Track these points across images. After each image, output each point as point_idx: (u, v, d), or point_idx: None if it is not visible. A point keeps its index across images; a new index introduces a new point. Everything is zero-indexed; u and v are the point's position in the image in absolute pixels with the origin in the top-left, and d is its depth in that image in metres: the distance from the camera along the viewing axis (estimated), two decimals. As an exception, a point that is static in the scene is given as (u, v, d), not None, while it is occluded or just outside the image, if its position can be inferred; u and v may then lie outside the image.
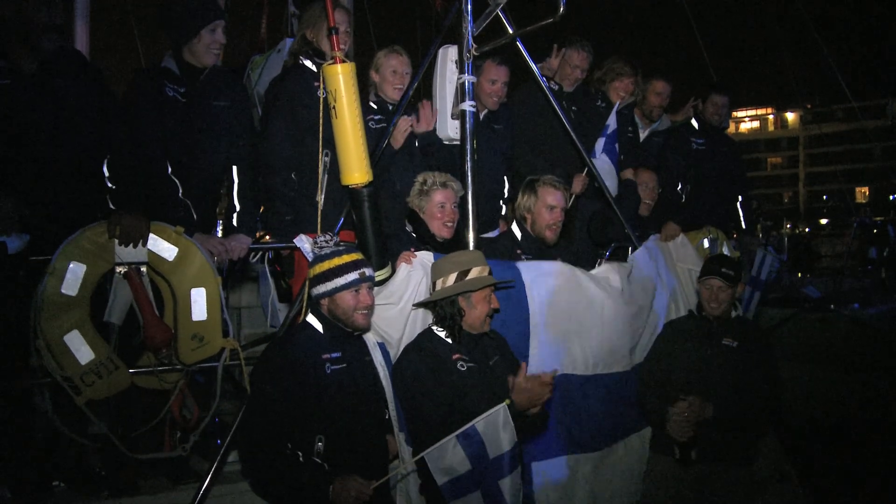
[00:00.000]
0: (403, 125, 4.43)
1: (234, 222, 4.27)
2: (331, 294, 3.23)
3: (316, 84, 4.27)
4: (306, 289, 3.47)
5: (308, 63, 4.43)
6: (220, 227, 5.38)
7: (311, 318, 3.33)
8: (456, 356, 3.44)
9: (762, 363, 4.28)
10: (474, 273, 3.48)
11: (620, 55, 5.90)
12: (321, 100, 3.92)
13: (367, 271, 3.30)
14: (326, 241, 3.34)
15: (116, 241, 3.57)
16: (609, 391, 4.39)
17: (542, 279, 4.17)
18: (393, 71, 4.66)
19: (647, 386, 4.37)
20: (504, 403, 3.16)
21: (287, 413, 3.07)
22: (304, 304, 3.59)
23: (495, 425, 3.14)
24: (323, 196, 4.09)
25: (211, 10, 4.09)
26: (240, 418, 3.64)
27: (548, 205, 4.50)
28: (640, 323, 4.62)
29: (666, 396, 4.12)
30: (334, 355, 3.24)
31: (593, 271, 4.53)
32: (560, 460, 4.17)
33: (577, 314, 4.26)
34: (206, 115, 4.13)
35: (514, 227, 4.66)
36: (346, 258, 3.27)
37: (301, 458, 3.04)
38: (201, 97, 4.12)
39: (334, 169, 3.92)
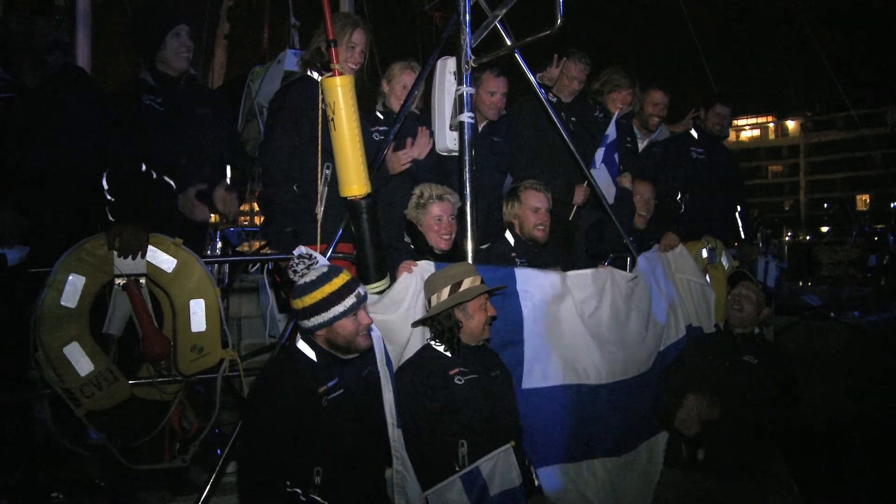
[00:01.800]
0: (404, 158, 4.50)
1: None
2: (329, 324, 3.01)
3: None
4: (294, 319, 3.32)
5: (315, 75, 4.47)
6: (220, 238, 5.42)
7: (303, 346, 3.10)
8: (454, 371, 3.44)
9: (780, 382, 4.27)
10: (467, 284, 3.49)
11: (618, 66, 5.93)
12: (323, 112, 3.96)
13: (361, 290, 3.10)
14: (306, 267, 3.12)
15: (115, 253, 3.59)
16: (607, 400, 4.39)
17: (537, 288, 4.17)
18: (403, 86, 4.70)
19: (663, 391, 4.38)
20: (509, 445, 3.18)
21: (283, 450, 2.91)
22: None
23: (499, 466, 3.14)
24: (323, 208, 4.12)
25: (172, 15, 4.21)
26: (235, 436, 3.62)
27: (532, 207, 4.62)
28: (635, 331, 4.61)
29: (679, 399, 4.15)
30: (331, 384, 3.05)
31: (589, 273, 4.52)
32: (555, 468, 4.16)
33: (570, 323, 4.26)
34: (188, 122, 4.24)
35: (507, 235, 4.74)
36: (338, 282, 3.02)
37: (301, 497, 2.89)
38: (181, 105, 4.23)
39: (335, 181, 3.92)
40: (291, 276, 3.16)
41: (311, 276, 3.06)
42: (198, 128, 4.27)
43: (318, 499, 2.92)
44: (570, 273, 4.42)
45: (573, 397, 4.20)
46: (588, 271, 4.51)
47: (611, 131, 5.48)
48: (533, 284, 4.16)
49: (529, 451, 3.81)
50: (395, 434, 3.50)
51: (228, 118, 4.59)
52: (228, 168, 4.41)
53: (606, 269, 4.57)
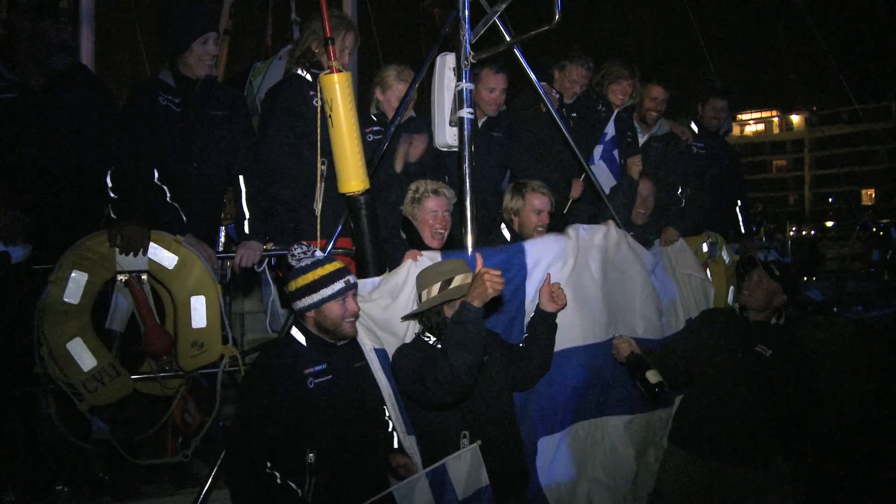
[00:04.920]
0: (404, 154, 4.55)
1: (246, 230, 4.31)
2: (317, 306, 3.18)
3: (311, 93, 4.36)
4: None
5: (304, 73, 4.50)
6: (223, 233, 5.43)
7: (295, 331, 3.28)
8: None
9: (793, 377, 4.15)
10: (457, 281, 3.45)
11: (618, 58, 5.93)
12: (318, 109, 3.99)
13: (352, 279, 3.26)
14: (304, 253, 3.27)
15: (117, 250, 3.62)
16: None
17: (545, 254, 4.16)
18: (398, 97, 4.70)
19: (669, 354, 4.34)
20: (475, 444, 3.21)
21: (269, 431, 3.04)
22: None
23: (465, 465, 3.17)
24: (321, 204, 4.15)
25: (202, 22, 4.20)
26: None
27: (535, 209, 4.59)
28: (642, 295, 4.58)
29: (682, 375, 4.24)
30: (318, 368, 3.19)
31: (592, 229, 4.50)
32: (562, 434, 4.17)
33: (578, 285, 4.24)
34: (202, 123, 4.21)
35: (504, 229, 4.73)
36: (329, 268, 3.21)
37: (278, 480, 3.01)
38: (198, 107, 4.20)
39: (332, 176, 3.97)
40: (290, 262, 3.30)
41: (306, 261, 3.24)
42: (212, 130, 4.26)
43: (291, 484, 3.04)
44: (579, 230, 4.41)
45: (584, 358, 4.21)
46: (600, 227, 4.51)
47: (609, 129, 5.48)
48: (542, 252, 4.16)
49: (539, 418, 3.93)
50: (408, 442, 3.54)
51: (246, 121, 4.51)
52: (242, 179, 4.36)
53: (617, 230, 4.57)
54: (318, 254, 3.32)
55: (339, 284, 3.18)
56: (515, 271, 4.07)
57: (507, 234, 4.70)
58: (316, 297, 3.16)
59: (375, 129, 4.67)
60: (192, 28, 4.13)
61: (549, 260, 4.18)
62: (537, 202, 4.59)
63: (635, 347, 4.10)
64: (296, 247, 3.31)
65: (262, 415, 3.04)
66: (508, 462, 3.57)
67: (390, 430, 3.60)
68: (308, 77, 4.47)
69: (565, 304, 3.85)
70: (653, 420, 4.57)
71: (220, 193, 4.56)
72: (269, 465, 3.04)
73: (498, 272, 3.15)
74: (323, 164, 4.13)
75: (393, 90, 4.74)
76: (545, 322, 3.84)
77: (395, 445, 3.58)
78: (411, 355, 3.39)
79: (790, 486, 4.66)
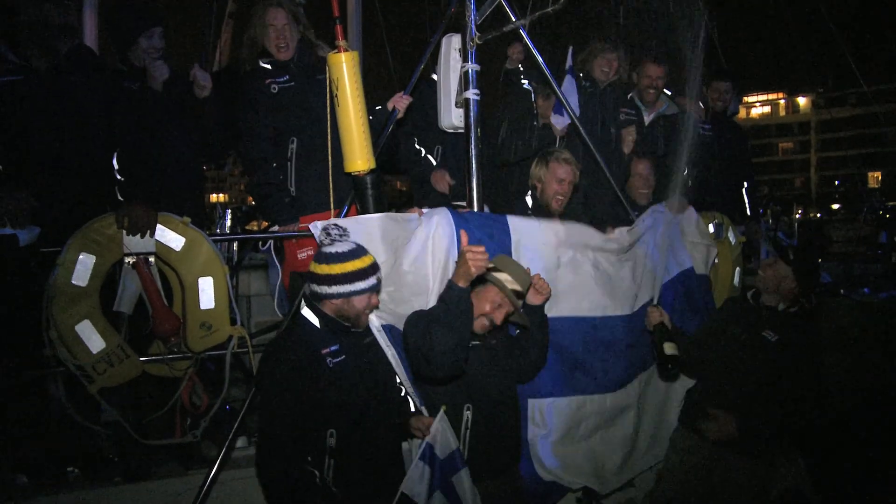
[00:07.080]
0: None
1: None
2: (348, 296, 3.16)
3: (268, 81, 4.44)
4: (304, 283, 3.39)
5: (265, 64, 4.54)
6: (229, 215, 5.41)
7: (307, 312, 3.26)
8: None
9: (799, 364, 4.11)
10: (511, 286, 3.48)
11: (602, 35, 5.94)
12: (275, 94, 4.25)
13: (379, 275, 3.27)
14: (339, 235, 3.23)
15: (125, 231, 3.62)
16: (612, 334, 4.42)
17: (531, 236, 4.15)
18: None
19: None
20: (441, 411, 3.30)
21: (296, 416, 3.02)
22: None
23: (441, 431, 3.27)
24: (294, 184, 4.25)
25: (147, 17, 4.24)
26: (244, 411, 3.77)
27: (557, 178, 4.61)
28: (626, 278, 4.61)
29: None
30: (333, 349, 3.18)
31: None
32: (561, 400, 4.21)
33: (572, 265, 4.28)
34: (160, 101, 4.25)
35: (528, 197, 4.77)
36: (367, 260, 3.20)
37: (318, 480, 2.99)
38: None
39: (302, 154, 4.17)
40: (322, 241, 3.25)
41: (343, 247, 3.19)
42: (171, 106, 4.31)
43: (334, 490, 3.04)
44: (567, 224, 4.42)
45: (568, 328, 4.24)
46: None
47: (567, 85, 5.43)
48: (527, 232, 4.15)
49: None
50: (423, 412, 3.56)
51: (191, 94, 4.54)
52: None
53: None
54: (354, 241, 3.27)
55: (372, 280, 3.19)
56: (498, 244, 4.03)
57: (528, 202, 4.75)
58: (349, 287, 3.14)
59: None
60: (136, 24, 4.20)
61: (533, 243, 4.15)
62: (560, 171, 4.62)
63: (666, 318, 4.13)
64: (331, 227, 3.26)
65: (289, 397, 3.01)
66: (504, 439, 3.64)
67: (403, 394, 3.60)
68: (268, 66, 4.51)
69: (550, 294, 3.85)
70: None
71: (192, 172, 4.60)
72: (309, 459, 3.01)
73: (481, 248, 3.13)
74: (292, 142, 4.24)
75: None
76: (535, 315, 3.82)
77: (413, 409, 3.59)
78: (417, 323, 3.38)
79: (797, 472, 4.65)
